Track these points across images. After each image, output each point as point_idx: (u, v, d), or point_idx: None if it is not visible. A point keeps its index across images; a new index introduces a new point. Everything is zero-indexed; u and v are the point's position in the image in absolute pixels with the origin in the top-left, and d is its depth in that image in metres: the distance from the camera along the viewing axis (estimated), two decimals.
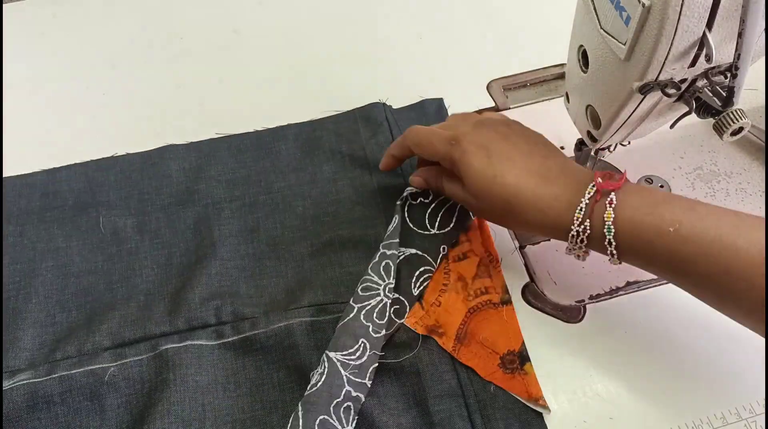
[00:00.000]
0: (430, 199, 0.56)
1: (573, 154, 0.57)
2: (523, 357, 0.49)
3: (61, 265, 0.55)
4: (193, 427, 0.47)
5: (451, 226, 0.54)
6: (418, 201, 0.56)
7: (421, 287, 0.52)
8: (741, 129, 0.42)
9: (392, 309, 0.50)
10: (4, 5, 0.74)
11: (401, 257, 0.53)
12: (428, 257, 0.53)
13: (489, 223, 0.56)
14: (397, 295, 0.51)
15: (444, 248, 0.54)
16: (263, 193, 0.59)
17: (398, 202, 0.56)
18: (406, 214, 0.55)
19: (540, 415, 0.47)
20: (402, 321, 0.51)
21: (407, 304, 0.51)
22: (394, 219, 0.55)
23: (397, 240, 0.53)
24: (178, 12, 0.75)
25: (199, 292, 0.52)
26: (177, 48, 0.71)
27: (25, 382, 0.48)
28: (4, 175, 0.60)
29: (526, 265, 0.55)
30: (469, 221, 0.56)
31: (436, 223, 0.55)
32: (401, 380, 0.49)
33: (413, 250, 0.53)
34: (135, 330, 0.51)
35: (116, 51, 0.71)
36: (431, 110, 0.64)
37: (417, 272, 0.52)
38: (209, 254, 0.55)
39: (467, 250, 0.55)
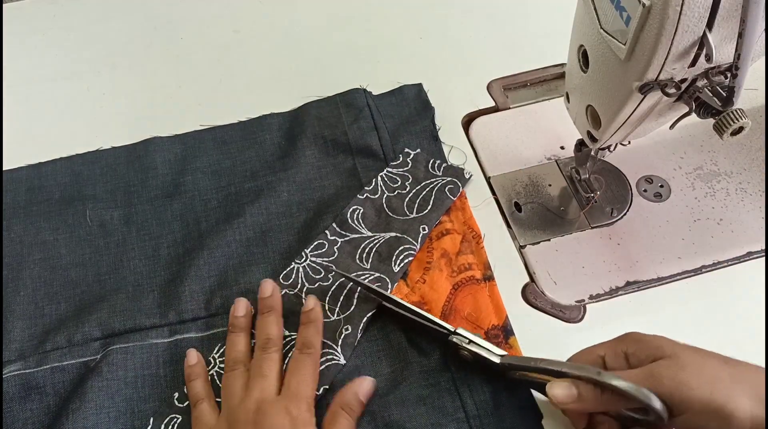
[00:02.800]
0: (407, 190, 0.58)
1: (573, 154, 0.57)
2: (507, 331, 0.50)
3: (48, 258, 0.55)
4: (186, 414, 0.48)
5: (429, 209, 0.56)
6: (396, 193, 0.57)
7: (402, 264, 0.53)
8: (741, 129, 0.42)
9: (375, 286, 0.52)
10: (4, 5, 0.74)
11: (381, 241, 0.55)
12: (407, 237, 0.54)
13: (469, 202, 0.57)
14: (378, 274, 0.52)
15: (424, 228, 0.55)
16: (249, 181, 0.59)
17: (367, 189, 0.58)
18: (385, 205, 0.57)
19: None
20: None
21: (388, 280, 0.52)
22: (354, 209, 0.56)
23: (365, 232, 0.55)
24: (178, 12, 0.75)
25: (189, 285, 0.53)
26: (177, 48, 0.71)
27: (16, 373, 0.48)
28: None
29: (526, 265, 0.55)
30: (449, 203, 0.57)
31: (414, 208, 0.56)
32: (389, 358, 0.50)
33: (392, 234, 0.55)
34: (125, 320, 0.51)
35: (116, 51, 0.71)
36: (410, 95, 0.65)
37: (396, 251, 0.54)
38: (197, 245, 0.56)
39: (449, 228, 0.55)
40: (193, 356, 0.49)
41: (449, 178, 0.58)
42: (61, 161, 0.61)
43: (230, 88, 0.67)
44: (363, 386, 0.46)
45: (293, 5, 0.75)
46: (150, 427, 0.47)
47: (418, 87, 0.65)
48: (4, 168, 0.61)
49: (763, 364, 0.41)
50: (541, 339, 0.51)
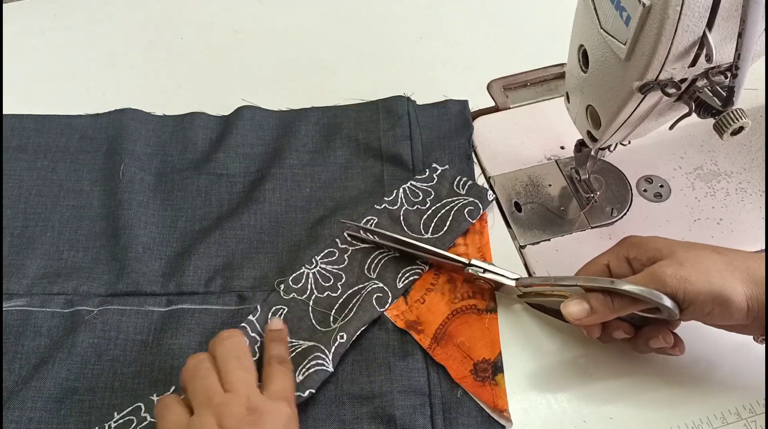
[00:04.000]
0: (427, 206, 0.57)
1: (573, 154, 0.57)
2: (496, 367, 0.49)
3: (80, 206, 0.58)
4: (158, 389, 0.48)
5: (444, 230, 0.55)
6: (415, 208, 0.57)
7: (406, 282, 0.53)
8: (741, 128, 0.42)
9: (375, 296, 0.52)
10: (4, 5, 0.74)
11: (390, 256, 0.54)
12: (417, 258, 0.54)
13: (488, 229, 0.56)
14: (381, 285, 0.52)
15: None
16: (276, 166, 0.60)
17: (387, 199, 0.57)
18: (401, 218, 0.56)
19: (503, 428, 0.47)
20: (383, 310, 0.51)
21: (390, 294, 0.52)
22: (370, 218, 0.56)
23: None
24: (178, 12, 0.74)
25: (195, 260, 0.54)
26: (177, 48, 0.71)
27: (20, 308, 0.52)
28: (48, 113, 0.63)
29: (525, 265, 0.55)
30: (466, 226, 0.56)
31: (430, 228, 0.56)
32: (370, 369, 0.49)
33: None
34: (128, 283, 0.53)
35: (116, 51, 0.71)
36: (453, 111, 0.64)
37: (404, 268, 0.53)
38: (213, 224, 0.57)
39: (462, 253, 0.55)
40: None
41: (470, 199, 0.57)
42: (116, 113, 0.63)
43: (230, 88, 0.67)
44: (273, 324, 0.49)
45: (293, 5, 0.75)
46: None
47: (463, 104, 0.64)
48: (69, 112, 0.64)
49: None
50: (541, 339, 0.51)
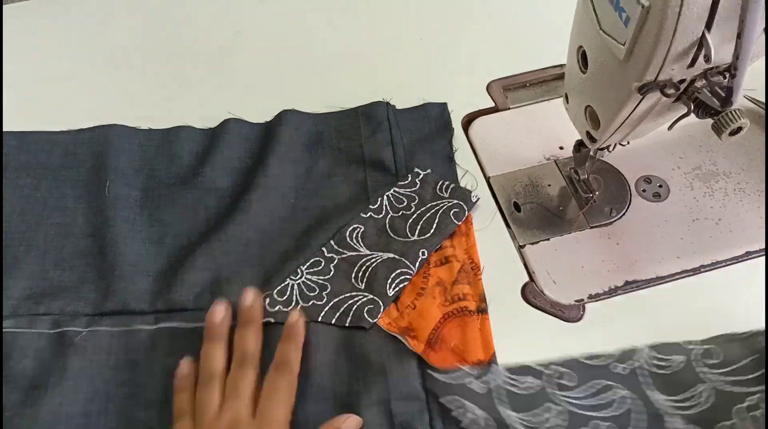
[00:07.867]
0: (412, 210, 0.57)
1: (572, 155, 0.58)
2: None
3: (65, 224, 0.57)
4: (153, 410, 0.48)
5: (431, 232, 0.55)
6: (400, 213, 0.57)
7: (397, 288, 0.52)
8: (740, 129, 0.42)
9: (366, 308, 0.51)
10: (4, 5, 0.74)
11: (378, 261, 0.54)
12: (405, 260, 0.53)
13: (475, 231, 0.56)
14: (371, 296, 0.52)
15: (423, 252, 0.54)
16: (260, 175, 0.59)
17: (372, 207, 0.57)
18: (387, 225, 0.56)
19: None
20: (374, 321, 0.51)
21: (381, 304, 0.52)
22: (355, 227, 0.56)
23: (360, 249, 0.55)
24: (179, 12, 0.75)
25: (182, 275, 0.53)
26: (178, 48, 0.71)
27: (6, 330, 0.50)
28: (31, 130, 0.62)
29: (525, 265, 0.55)
30: (452, 227, 0.56)
31: (417, 230, 0.55)
32: (367, 378, 0.49)
33: (390, 255, 0.54)
34: (115, 302, 0.52)
35: (116, 51, 0.71)
36: (433, 114, 0.64)
37: (393, 274, 0.53)
38: (201, 239, 0.56)
39: (450, 254, 0.54)
40: (185, 367, 0.48)
41: (455, 201, 0.57)
42: (100, 129, 0.62)
43: (231, 89, 0.67)
44: (348, 425, 0.45)
45: (294, 7, 0.75)
46: None
47: (443, 106, 0.64)
48: (45, 129, 0.63)
49: None
50: (540, 338, 0.51)
